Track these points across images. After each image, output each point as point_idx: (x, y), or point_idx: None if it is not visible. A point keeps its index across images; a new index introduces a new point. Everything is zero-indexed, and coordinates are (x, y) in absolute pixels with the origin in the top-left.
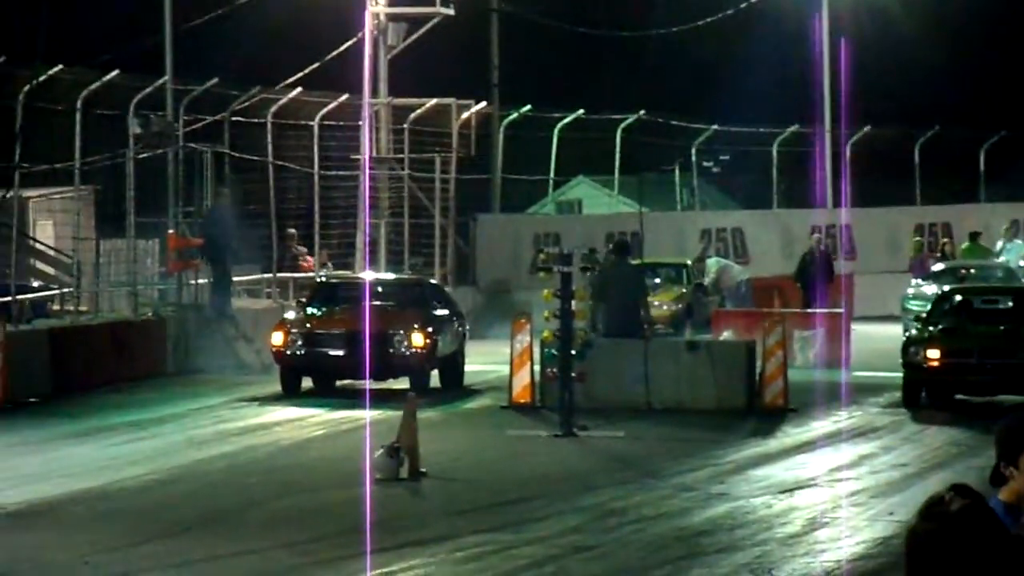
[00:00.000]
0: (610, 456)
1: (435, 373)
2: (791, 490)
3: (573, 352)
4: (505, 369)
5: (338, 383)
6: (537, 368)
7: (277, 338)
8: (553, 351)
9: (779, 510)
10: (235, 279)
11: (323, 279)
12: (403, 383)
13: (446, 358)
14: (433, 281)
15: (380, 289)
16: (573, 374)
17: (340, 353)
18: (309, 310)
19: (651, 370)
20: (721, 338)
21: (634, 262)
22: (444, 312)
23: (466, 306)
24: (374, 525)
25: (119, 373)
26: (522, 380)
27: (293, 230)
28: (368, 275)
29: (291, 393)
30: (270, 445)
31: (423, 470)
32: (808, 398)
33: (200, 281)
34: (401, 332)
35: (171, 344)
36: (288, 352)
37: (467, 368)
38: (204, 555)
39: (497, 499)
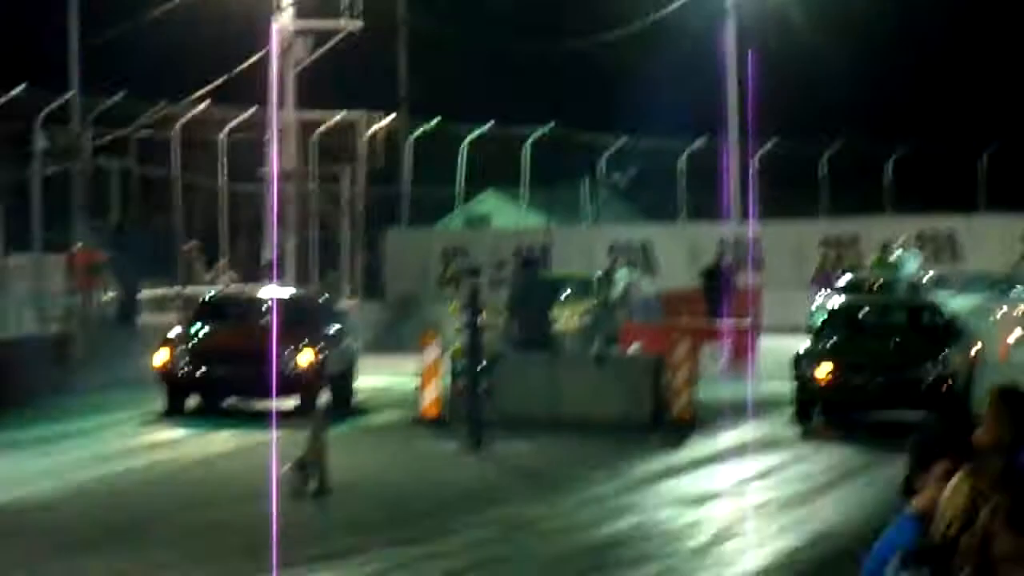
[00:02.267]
0: (518, 469)
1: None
2: (698, 502)
3: (482, 366)
4: (413, 383)
5: (225, 402)
6: (446, 381)
7: (161, 356)
8: (461, 364)
9: (686, 523)
10: (142, 294)
11: (209, 296)
12: (292, 401)
13: (336, 376)
14: (323, 297)
15: (268, 306)
16: (482, 387)
17: (226, 372)
18: (194, 328)
19: (560, 383)
20: (629, 352)
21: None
22: (334, 329)
23: (374, 320)
24: (281, 540)
25: (27, 387)
26: (431, 394)
27: (194, 242)
28: (265, 291)
29: (176, 412)
30: (175, 461)
31: (330, 485)
32: (715, 411)
33: (107, 297)
34: (289, 350)
35: (77, 360)
36: (173, 371)
37: (376, 383)
38: (109, 571)
39: (405, 513)
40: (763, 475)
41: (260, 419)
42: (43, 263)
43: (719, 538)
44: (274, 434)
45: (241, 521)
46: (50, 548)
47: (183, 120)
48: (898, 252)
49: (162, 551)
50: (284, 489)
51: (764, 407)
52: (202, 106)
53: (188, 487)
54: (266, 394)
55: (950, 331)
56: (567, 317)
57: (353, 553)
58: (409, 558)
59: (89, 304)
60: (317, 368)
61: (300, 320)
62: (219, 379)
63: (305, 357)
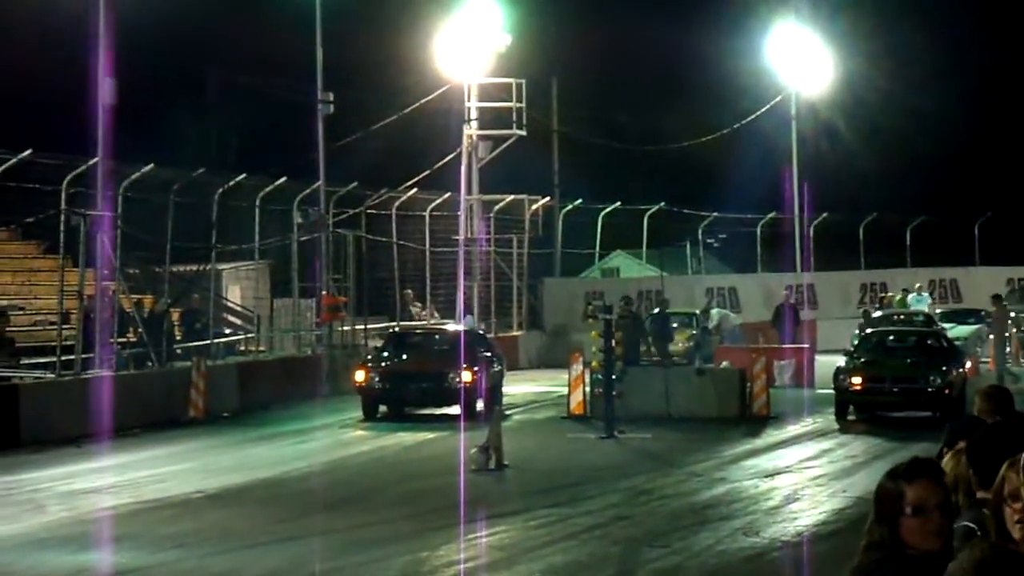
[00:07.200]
0: (641, 452)
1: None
2: (772, 475)
3: (613, 376)
4: (564, 390)
5: (405, 410)
6: (588, 388)
7: (359, 375)
8: (599, 376)
9: (763, 489)
10: (371, 327)
11: (395, 329)
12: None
13: (488, 390)
14: (480, 331)
15: (438, 337)
16: (614, 392)
17: (408, 387)
18: (384, 353)
19: (671, 389)
20: (721, 366)
21: (634, 311)
22: (487, 355)
23: (535, 345)
24: (469, 502)
25: (287, 394)
26: (576, 397)
27: (410, 291)
28: (448, 326)
29: (371, 418)
30: (394, 446)
31: (506, 463)
32: (784, 409)
33: (345, 328)
34: (454, 371)
35: (324, 373)
36: (368, 386)
37: (536, 389)
38: (347, 524)
39: (559, 483)
40: (819, 455)
41: (437, 420)
42: (299, 305)
43: (787, 501)
44: (462, 432)
45: (440, 489)
46: (304, 508)
47: (398, 202)
48: (914, 295)
49: (385, 510)
50: (471, 466)
51: (819, 406)
52: (412, 191)
53: (401, 465)
54: (438, 404)
55: (951, 352)
56: (676, 342)
57: (521, 512)
58: (563, 515)
59: (332, 333)
60: (474, 384)
61: (462, 348)
62: (402, 392)
63: (466, 375)
